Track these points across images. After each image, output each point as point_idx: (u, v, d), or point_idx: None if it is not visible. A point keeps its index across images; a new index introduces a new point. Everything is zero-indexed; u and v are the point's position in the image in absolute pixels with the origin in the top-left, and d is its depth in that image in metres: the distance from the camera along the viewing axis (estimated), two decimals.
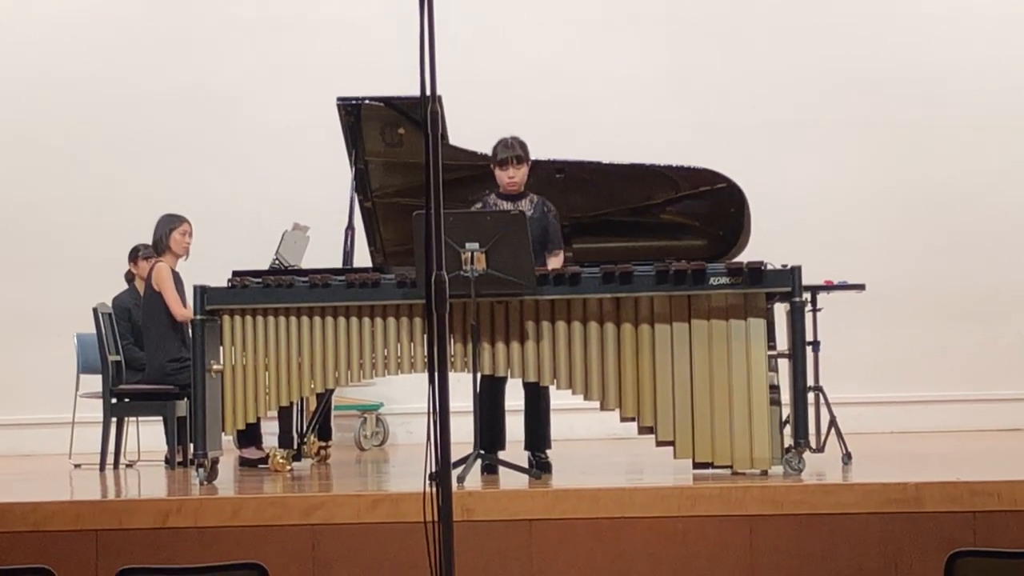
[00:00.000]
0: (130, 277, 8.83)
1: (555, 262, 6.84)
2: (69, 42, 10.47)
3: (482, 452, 6.35)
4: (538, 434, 6.85)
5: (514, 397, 6.87)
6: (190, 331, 7.21)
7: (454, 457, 4.03)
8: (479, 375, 6.39)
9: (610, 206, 7.71)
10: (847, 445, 6.91)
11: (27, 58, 10.47)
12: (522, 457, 6.72)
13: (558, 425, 7.09)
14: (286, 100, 10.31)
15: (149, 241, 8.68)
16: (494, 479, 6.40)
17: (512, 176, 6.81)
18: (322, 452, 8.07)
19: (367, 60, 9.94)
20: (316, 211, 8.81)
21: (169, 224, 8.14)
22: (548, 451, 6.85)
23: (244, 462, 7.84)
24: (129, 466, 8.42)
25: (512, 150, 6.81)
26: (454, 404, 3.70)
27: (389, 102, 7.55)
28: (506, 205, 6.85)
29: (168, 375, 8.02)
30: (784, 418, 6.43)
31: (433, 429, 3.62)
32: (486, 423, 6.71)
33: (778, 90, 10.39)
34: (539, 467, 6.67)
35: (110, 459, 8.14)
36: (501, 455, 6.67)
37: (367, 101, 7.57)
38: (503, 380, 6.64)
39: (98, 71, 10.43)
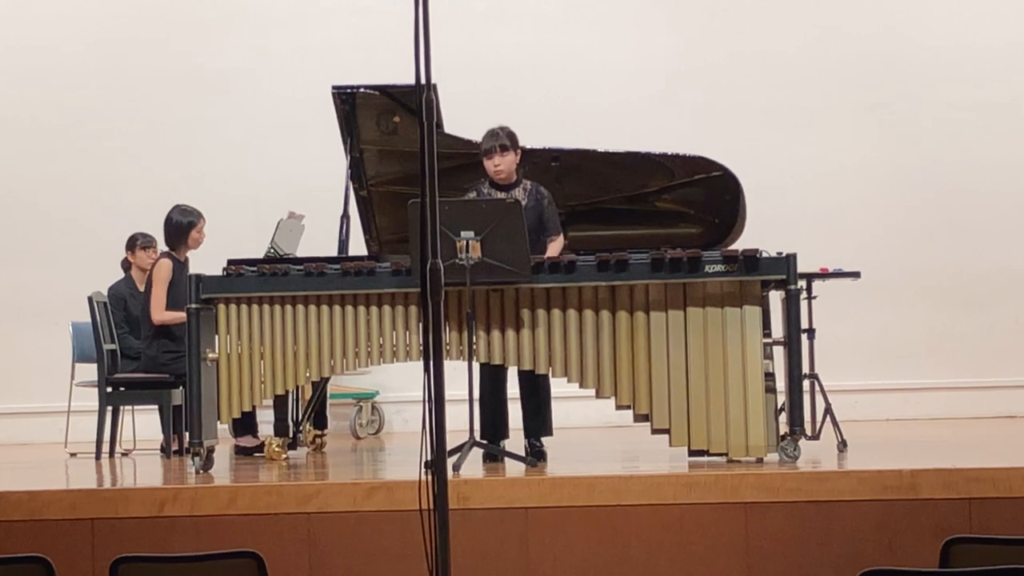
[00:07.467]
0: (127, 266, 8.80)
1: (555, 248, 6.83)
2: (67, 28, 10.42)
3: (476, 440, 6.33)
4: (535, 421, 6.83)
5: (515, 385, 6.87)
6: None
7: (450, 445, 4.03)
8: (476, 364, 6.39)
9: (605, 194, 7.70)
10: (842, 432, 6.91)
11: (24, 43, 10.42)
12: (523, 445, 6.72)
13: (554, 413, 7.07)
14: (282, 88, 10.27)
15: (145, 229, 8.66)
16: (496, 467, 6.40)
17: (498, 165, 6.78)
18: (318, 440, 8.07)
19: (363, 47, 9.91)
20: (311, 199, 8.79)
21: (189, 218, 8.05)
22: (546, 439, 6.84)
23: (240, 451, 7.83)
24: (125, 455, 8.41)
25: (496, 139, 6.77)
26: (449, 392, 3.71)
27: (384, 90, 7.54)
28: (499, 193, 6.83)
29: (163, 364, 8.00)
30: (779, 406, 6.44)
31: (429, 417, 3.62)
32: (488, 412, 6.72)
33: (773, 76, 10.35)
34: (533, 455, 6.64)
35: (106, 448, 8.12)
36: (505, 444, 6.67)
37: (362, 89, 7.55)
38: (504, 369, 6.64)
39: (95, 58, 10.39)
